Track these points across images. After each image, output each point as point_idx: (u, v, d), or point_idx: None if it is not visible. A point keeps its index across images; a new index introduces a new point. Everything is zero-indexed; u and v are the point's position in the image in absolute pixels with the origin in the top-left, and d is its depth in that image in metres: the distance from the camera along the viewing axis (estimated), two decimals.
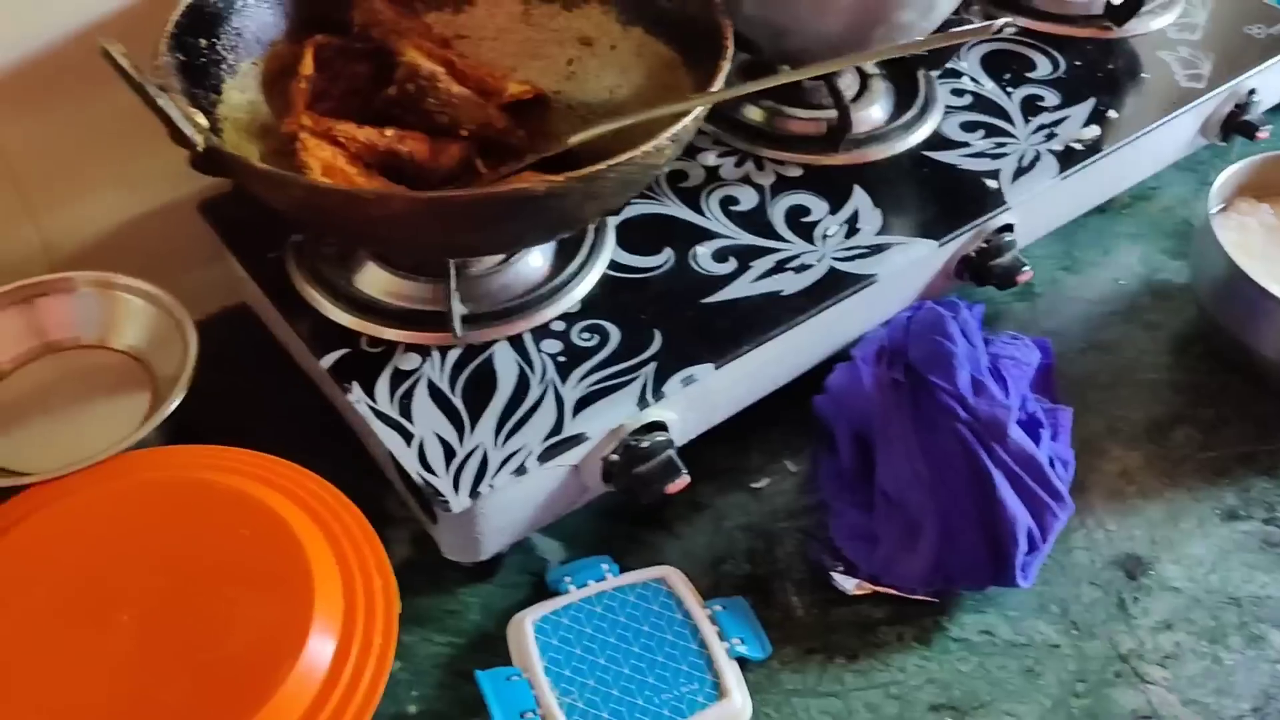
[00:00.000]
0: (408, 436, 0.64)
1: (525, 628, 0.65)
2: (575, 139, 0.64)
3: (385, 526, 0.70)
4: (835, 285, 0.74)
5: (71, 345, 0.70)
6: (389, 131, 0.68)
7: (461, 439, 0.64)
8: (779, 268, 0.75)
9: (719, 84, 0.62)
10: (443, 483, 0.62)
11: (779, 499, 0.75)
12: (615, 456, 0.67)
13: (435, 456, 0.63)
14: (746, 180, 0.81)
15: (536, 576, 0.70)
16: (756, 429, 0.77)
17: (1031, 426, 0.70)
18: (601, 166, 0.55)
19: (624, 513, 0.73)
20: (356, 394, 0.66)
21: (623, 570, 0.69)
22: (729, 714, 0.62)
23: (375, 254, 0.71)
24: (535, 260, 0.73)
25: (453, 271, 0.66)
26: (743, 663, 0.65)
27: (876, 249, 0.76)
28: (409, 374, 0.67)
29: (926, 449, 0.67)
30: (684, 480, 0.67)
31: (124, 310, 0.70)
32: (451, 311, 0.65)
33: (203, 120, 0.58)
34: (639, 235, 0.76)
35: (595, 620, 0.66)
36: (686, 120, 0.59)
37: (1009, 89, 0.91)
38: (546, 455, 0.63)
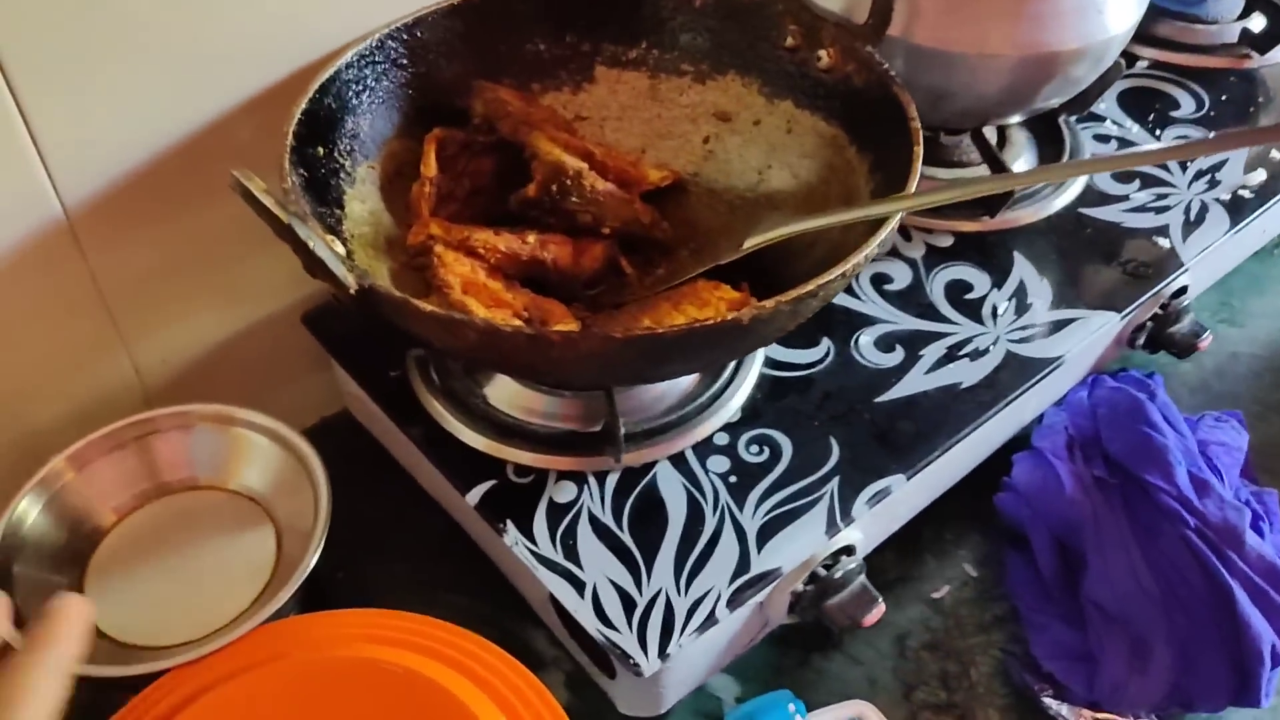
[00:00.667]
0: (578, 585, 0.57)
1: None
2: (753, 242, 0.57)
3: (535, 669, 0.63)
4: (1019, 372, 0.67)
5: (186, 486, 0.63)
6: (530, 237, 0.61)
7: (639, 584, 0.57)
8: (951, 355, 0.68)
9: (914, 182, 0.55)
10: (628, 641, 0.55)
11: (963, 610, 0.67)
12: (804, 588, 0.60)
13: (613, 608, 0.56)
14: (895, 254, 0.74)
15: (712, 718, 0.63)
16: (925, 530, 0.70)
17: (1252, 520, 0.63)
18: (811, 287, 0.48)
19: (795, 638, 0.65)
20: (513, 535, 0.59)
21: (809, 708, 0.62)
22: None
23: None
24: None
25: (613, 392, 0.59)
26: None
27: (1055, 326, 0.69)
28: (567, 507, 0.60)
29: (1151, 559, 0.60)
30: (880, 609, 0.60)
31: (243, 447, 0.63)
32: (616, 432, 0.58)
33: (341, 249, 0.51)
34: None
35: None
36: (892, 224, 0.52)
37: (1155, 130, 0.84)
38: (736, 599, 0.56)
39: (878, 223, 0.53)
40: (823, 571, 0.60)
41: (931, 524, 0.70)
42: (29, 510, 0.58)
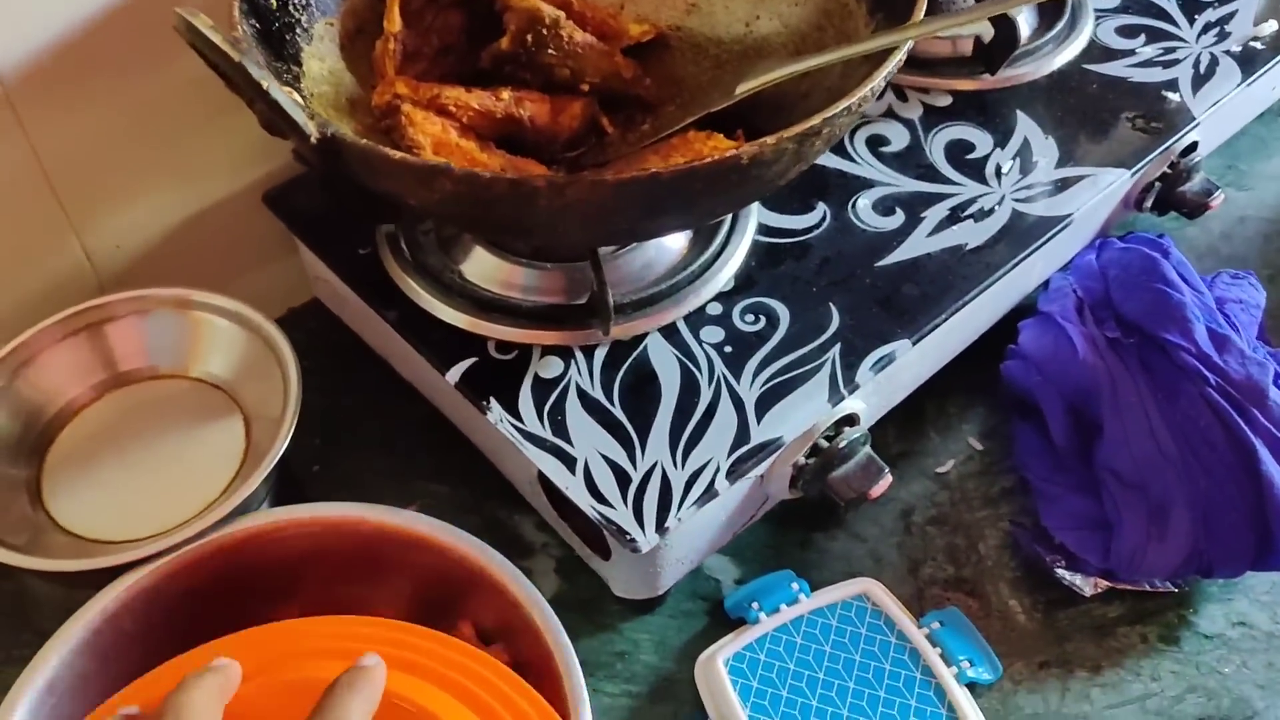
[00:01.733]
0: (569, 462, 0.53)
1: (718, 669, 0.56)
2: (746, 87, 0.52)
3: (522, 556, 0.61)
4: (1026, 231, 0.63)
5: (146, 376, 0.59)
6: (505, 94, 0.56)
7: (633, 459, 0.54)
8: (955, 217, 0.64)
9: (921, 8, 0.50)
10: (624, 517, 0.51)
11: (969, 484, 0.65)
12: (806, 461, 0.57)
13: (607, 484, 0.53)
14: (891, 115, 0.70)
15: (710, 602, 0.60)
16: (928, 405, 0.67)
17: (1274, 378, 0.60)
18: (816, 122, 0.44)
19: (795, 517, 0.63)
20: (497, 412, 0.55)
21: (814, 588, 0.59)
22: None
23: (490, 240, 0.60)
24: (674, 234, 0.62)
25: (599, 257, 0.55)
26: (971, 688, 0.56)
27: (1061, 184, 0.66)
28: (554, 383, 0.57)
29: (1170, 420, 0.57)
30: (887, 480, 0.57)
31: (205, 332, 0.59)
32: (605, 302, 0.54)
33: (300, 100, 0.47)
34: (784, 190, 0.65)
35: (797, 652, 0.56)
36: (899, 56, 0.48)
37: None
38: (736, 470, 0.53)
39: (881, 60, 0.49)
40: (825, 443, 0.56)
41: (934, 398, 0.67)
42: None
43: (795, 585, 0.59)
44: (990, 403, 0.67)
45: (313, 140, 0.44)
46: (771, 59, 0.58)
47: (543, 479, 0.55)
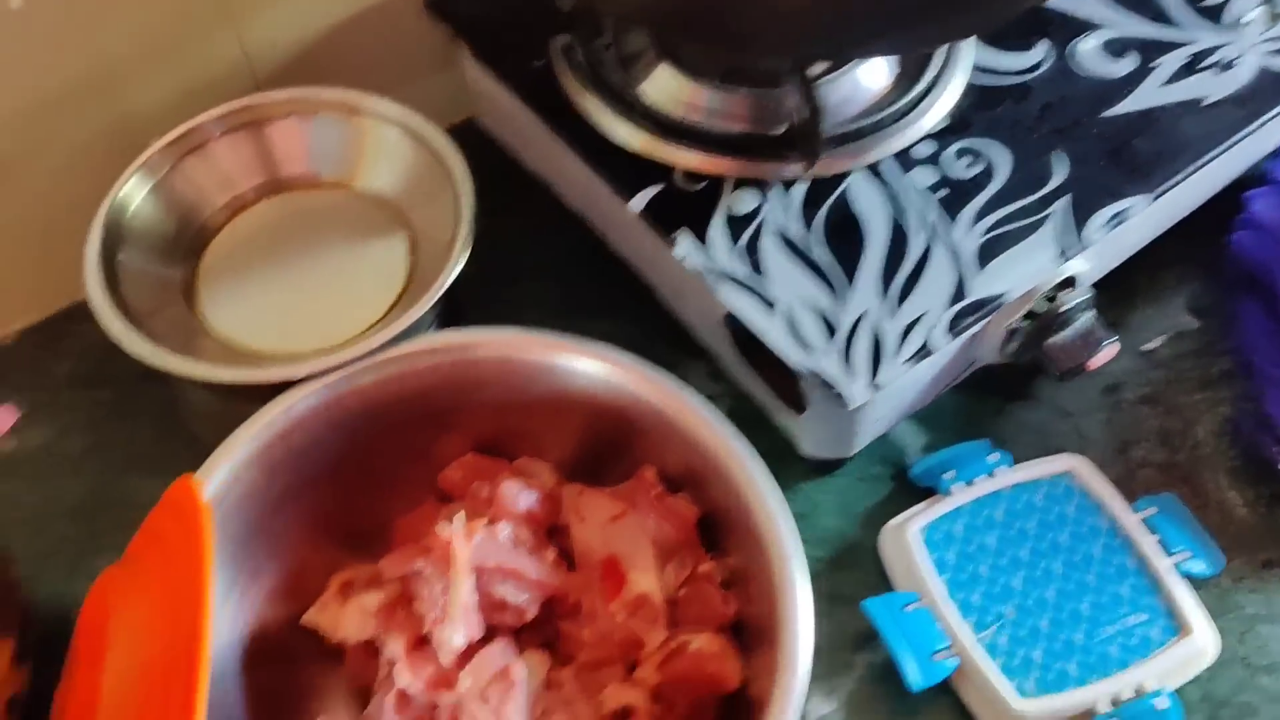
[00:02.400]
0: (767, 304, 0.49)
1: (911, 540, 0.51)
2: None
3: None
4: (1274, 89, 0.56)
5: (307, 182, 0.55)
6: None
7: (840, 306, 0.48)
8: (1191, 67, 0.57)
9: None
10: (830, 367, 0.47)
11: (1183, 365, 0.59)
12: (1022, 322, 0.51)
13: (811, 330, 0.48)
14: None
15: (896, 467, 0.56)
16: (1139, 274, 0.61)
17: None
18: None
19: (990, 385, 0.57)
20: (685, 246, 0.50)
21: (1013, 461, 0.54)
22: (1194, 653, 0.49)
23: (672, 54, 0.54)
24: (877, 64, 0.56)
25: (809, 78, 0.49)
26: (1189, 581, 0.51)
27: None
28: (748, 219, 0.51)
29: None
30: (1113, 349, 0.52)
31: (372, 141, 0.54)
32: (813, 132, 0.49)
33: None
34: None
35: (997, 529, 0.52)
36: None
37: None
38: (955, 326, 0.48)
39: None
40: (1045, 304, 0.51)
41: (1145, 268, 0.60)
42: (133, 194, 0.51)
43: (994, 456, 0.54)
44: (1207, 278, 0.61)
45: None
46: None
47: (732, 322, 0.50)
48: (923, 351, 0.47)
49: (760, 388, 0.53)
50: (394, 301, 0.52)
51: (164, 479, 0.55)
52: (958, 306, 0.48)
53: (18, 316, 0.60)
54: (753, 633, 0.45)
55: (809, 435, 0.52)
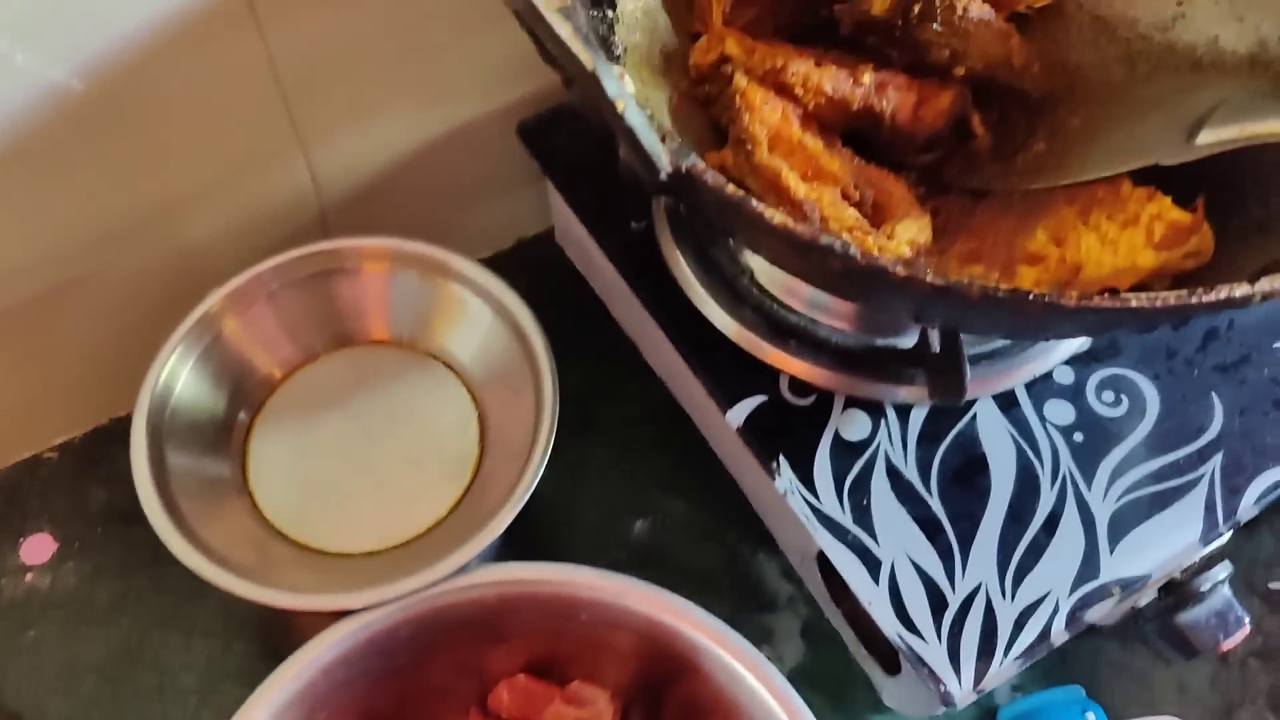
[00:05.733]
0: (872, 564, 0.44)
1: None
2: (1213, 138, 0.38)
3: (765, 609, 0.52)
4: None
5: (373, 342, 0.50)
6: (866, 76, 0.43)
7: (952, 575, 0.43)
8: None
9: None
10: (935, 655, 0.42)
11: None
12: (1152, 595, 0.46)
13: (917, 604, 0.43)
14: None
15: (982, 709, 0.51)
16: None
17: None
18: None
19: None
20: (787, 479, 0.45)
21: (1107, 715, 0.50)
22: None
23: None
24: None
25: None
26: None
27: None
28: (858, 448, 0.46)
29: None
30: (1244, 632, 0.46)
31: (450, 305, 0.49)
32: (958, 360, 0.43)
33: (630, 87, 0.34)
34: None
35: None
36: None
37: None
38: (1078, 614, 0.43)
39: None
40: (1181, 578, 0.45)
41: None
42: (178, 370, 0.46)
43: (1090, 716, 0.49)
44: None
45: (661, 177, 0.33)
46: (1227, 79, 0.43)
47: (825, 562, 0.45)
48: (1040, 644, 0.42)
49: (849, 632, 0.48)
50: (460, 496, 0.47)
51: (194, 643, 0.52)
52: (1086, 589, 0.43)
53: (59, 432, 0.56)
54: None
55: (893, 693, 0.48)
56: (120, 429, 0.57)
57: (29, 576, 0.53)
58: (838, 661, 0.51)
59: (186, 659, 0.52)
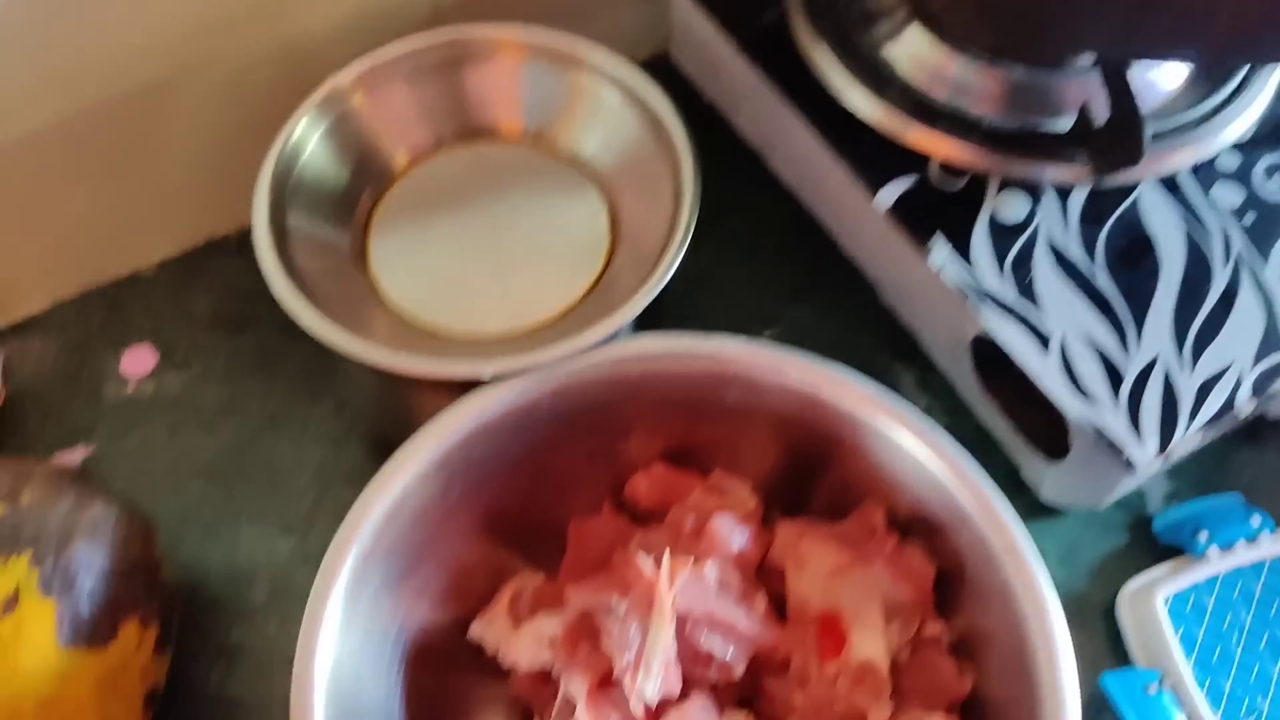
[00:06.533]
0: (1040, 337, 0.41)
1: (1154, 608, 0.45)
2: None
3: None
4: None
5: (500, 136, 0.48)
6: None
7: (1126, 347, 0.41)
8: None
9: None
10: (1115, 422, 0.40)
11: None
12: None
13: (1091, 375, 0.41)
14: None
15: (1134, 515, 0.49)
16: None
17: None
18: None
19: (1246, 429, 0.50)
20: (942, 255, 0.43)
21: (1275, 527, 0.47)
22: None
23: (928, 15, 0.46)
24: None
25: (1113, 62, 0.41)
26: None
27: None
28: (1017, 229, 0.44)
29: None
30: None
31: (583, 98, 0.47)
32: (1133, 128, 0.40)
33: None
34: None
35: (1254, 606, 0.45)
36: None
37: None
38: (1263, 385, 0.41)
39: None
40: None
41: None
42: (307, 136, 0.44)
43: (1255, 519, 0.47)
44: None
45: None
46: None
47: (982, 349, 0.43)
48: (1225, 414, 0.40)
49: (1001, 421, 0.46)
50: (590, 285, 0.45)
51: (306, 446, 0.50)
52: (1268, 362, 0.41)
53: (158, 248, 0.54)
54: (987, 709, 0.39)
55: (1055, 482, 0.46)
56: (223, 245, 0.55)
57: (132, 386, 0.52)
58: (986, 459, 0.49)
59: (299, 461, 0.50)
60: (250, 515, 0.49)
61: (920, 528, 0.41)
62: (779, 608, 0.42)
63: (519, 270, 0.46)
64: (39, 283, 0.53)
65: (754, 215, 0.54)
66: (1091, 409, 0.40)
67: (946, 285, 0.43)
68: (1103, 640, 0.46)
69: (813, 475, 0.43)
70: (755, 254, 0.54)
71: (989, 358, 0.43)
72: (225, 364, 0.52)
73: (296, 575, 0.47)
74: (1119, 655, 0.46)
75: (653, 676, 0.39)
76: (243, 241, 0.52)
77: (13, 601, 0.39)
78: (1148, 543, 0.48)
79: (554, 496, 0.45)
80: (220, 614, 0.47)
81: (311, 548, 0.48)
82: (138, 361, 0.52)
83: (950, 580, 0.41)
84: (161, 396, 0.51)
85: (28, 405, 0.51)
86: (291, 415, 0.51)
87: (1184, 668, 0.44)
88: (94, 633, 0.39)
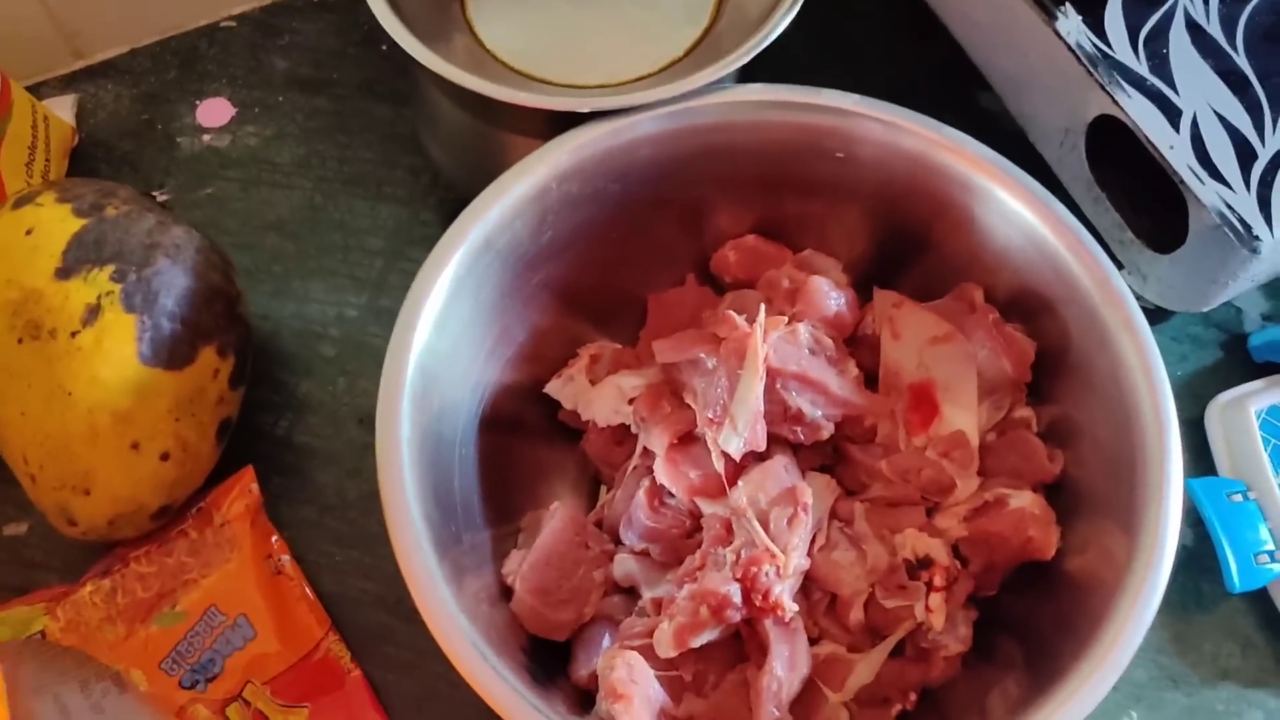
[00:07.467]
0: (1171, 113, 0.39)
1: (1247, 419, 0.43)
2: None
3: None
4: None
5: None
6: None
7: (1260, 128, 0.39)
8: None
9: None
10: (1243, 203, 0.38)
11: None
12: None
13: (1221, 152, 0.39)
14: None
15: (1227, 334, 0.48)
16: None
17: None
18: None
19: None
20: (1073, 23, 0.41)
21: None
22: None
23: None
24: None
25: None
26: None
27: None
28: (1153, 4, 0.41)
29: None
30: None
31: None
32: None
33: None
34: None
35: None
36: None
37: None
38: None
39: None
40: None
41: None
42: None
43: None
44: None
45: None
46: None
47: (1100, 129, 0.41)
48: None
49: (1107, 218, 0.44)
50: (696, 40, 0.43)
51: (380, 205, 0.49)
52: None
53: (238, 2, 0.52)
54: (1077, 498, 0.38)
55: (1162, 279, 0.43)
56: (303, 6, 0.53)
57: (207, 137, 0.50)
58: None
59: (373, 223, 0.49)
60: (322, 273, 0.48)
61: (1020, 310, 0.40)
62: (868, 382, 0.41)
63: (623, 22, 0.44)
64: (117, 27, 0.51)
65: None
66: (1221, 188, 0.38)
67: (1074, 57, 0.40)
68: (1188, 451, 0.45)
69: (904, 259, 0.42)
70: (833, 22, 0.51)
71: (1105, 141, 0.41)
72: (302, 122, 0.51)
73: (366, 333, 0.47)
74: (1203, 466, 0.45)
75: (739, 430, 0.37)
76: (322, 3, 0.51)
77: (95, 312, 0.38)
78: (1240, 360, 0.47)
79: (636, 266, 0.43)
80: (290, 367, 0.46)
81: (382, 307, 0.47)
82: (214, 114, 0.51)
83: (1048, 365, 0.40)
84: (236, 151, 0.50)
85: (100, 151, 0.50)
86: (367, 177, 0.50)
87: (1272, 479, 0.42)
88: (173, 353, 0.39)
